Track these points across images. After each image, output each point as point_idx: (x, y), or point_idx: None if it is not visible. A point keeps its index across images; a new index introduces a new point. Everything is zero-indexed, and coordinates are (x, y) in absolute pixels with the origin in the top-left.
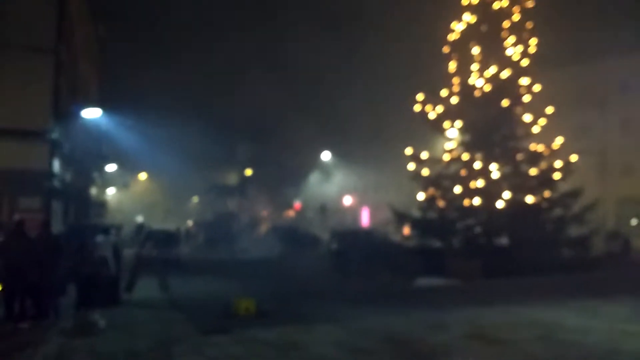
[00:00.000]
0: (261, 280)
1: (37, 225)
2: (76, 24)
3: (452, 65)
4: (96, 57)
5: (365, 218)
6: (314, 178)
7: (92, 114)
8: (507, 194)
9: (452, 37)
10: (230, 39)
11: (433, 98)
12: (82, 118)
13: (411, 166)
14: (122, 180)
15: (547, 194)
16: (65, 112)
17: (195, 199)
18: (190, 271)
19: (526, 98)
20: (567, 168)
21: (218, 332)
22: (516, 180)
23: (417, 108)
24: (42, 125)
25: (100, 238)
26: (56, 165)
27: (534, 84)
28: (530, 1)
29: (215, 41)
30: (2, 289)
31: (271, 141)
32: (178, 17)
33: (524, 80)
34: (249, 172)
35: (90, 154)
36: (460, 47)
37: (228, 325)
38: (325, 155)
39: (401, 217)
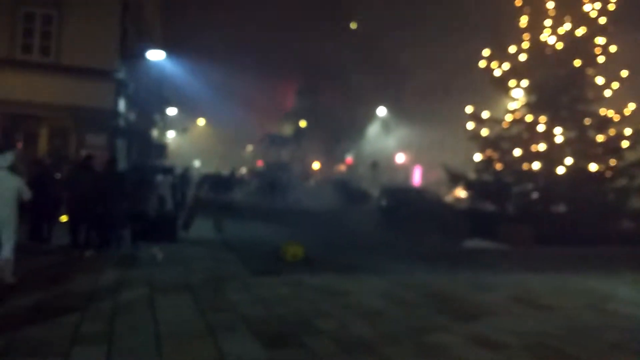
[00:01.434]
0: (310, 230)
1: (103, 161)
2: None
3: (523, 20)
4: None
5: (417, 177)
6: (367, 133)
7: (156, 56)
8: (569, 160)
9: None
10: None
11: (500, 54)
12: (147, 60)
13: (470, 125)
14: (182, 124)
15: (612, 162)
16: (131, 53)
17: (249, 148)
18: (243, 216)
19: (600, 59)
20: (636, 136)
21: (267, 273)
22: (581, 146)
23: (482, 64)
24: (109, 64)
25: (160, 177)
26: (121, 104)
27: (610, 45)
28: None
29: None
30: (69, 219)
31: (328, 93)
32: None
33: (600, 40)
34: (303, 123)
35: (153, 96)
36: (534, 1)
37: (276, 268)
38: (381, 111)
39: (455, 178)
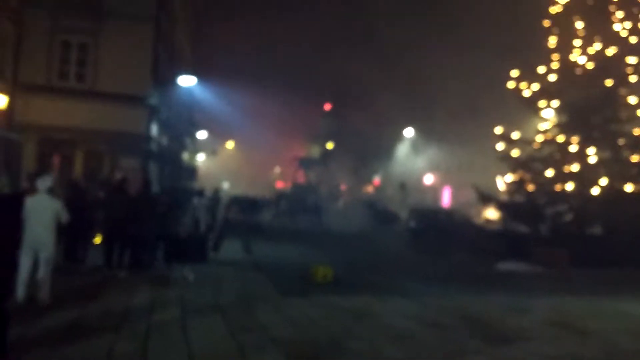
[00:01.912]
0: (339, 251)
1: (136, 184)
2: None
3: (552, 41)
4: (191, 26)
5: (446, 198)
6: (395, 154)
7: (187, 81)
8: (604, 181)
9: (554, 9)
10: (318, 12)
11: (529, 75)
12: (178, 85)
13: (500, 146)
14: (211, 147)
15: None
16: (163, 79)
17: (277, 170)
18: (271, 237)
19: (632, 78)
20: None
21: (296, 295)
22: (615, 166)
23: (511, 85)
24: (142, 90)
25: (195, 200)
26: (154, 129)
27: None
28: None
29: (304, 12)
30: (103, 240)
31: (355, 114)
32: None
33: (631, 59)
34: (330, 145)
35: (183, 120)
36: (563, 21)
37: (306, 289)
38: (409, 132)
39: (486, 199)
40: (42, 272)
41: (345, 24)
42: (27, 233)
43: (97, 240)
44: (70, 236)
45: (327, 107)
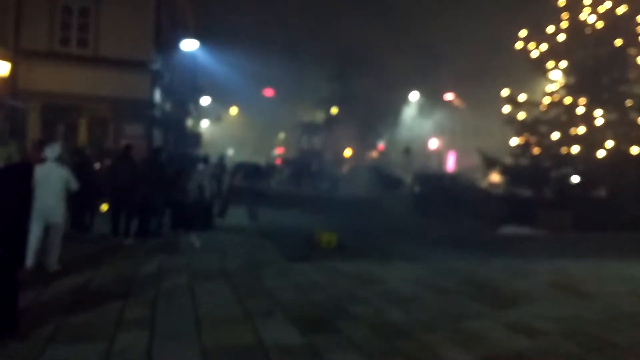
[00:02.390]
0: (343, 217)
1: (142, 150)
2: None
3: None
4: None
5: (451, 163)
6: (400, 119)
7: (189, 46)
8: (610, 143)
9: None
10: None
11: (537, 35)
12: (180, 50)
13: (506, 109)
14: (215, 113)
15: None
16: (165, 44)
17: (281, 135)
18: (276, 203)
19: None
20: None
21: (301, 260)
22: (622, 128)
23: (518, 46)
24: (145, 56)
25: (200, 167)
26: (157, 95)
27: None
28: None
29: None
30: (109, 208)
31: (359, 78)
32: None
33: None
34: (335, 110)
35: (187, 86)
36: None
37: (311, 254)
38: (414, 96)
39: (491, 163)
40: (52, 240)
41: None
42: (37, 201)
43: (104, 208)
44: (77, 204)
45: (332, 70)
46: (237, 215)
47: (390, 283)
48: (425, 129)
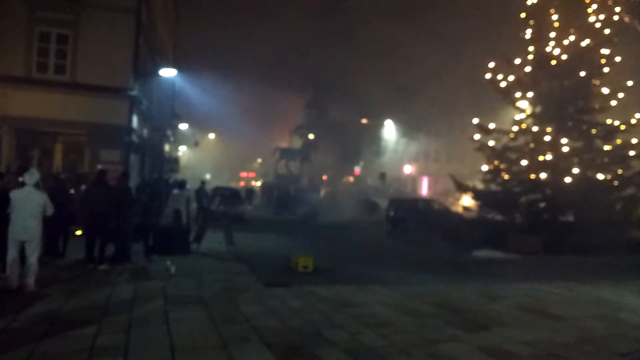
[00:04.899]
0: (319, 241)
1: (117, 176)
2: None
3: (528, 32)
4: (172, 18)
5: (424, 187)
6: (375, 145)
7: (168, 73)
8: (576, 170)
9: (530, 1)
10: (300, 6)
11: (505, 66)
12: (159, 77)
13: (477, 136)
14: (193, 139)
15: (619, 171)
16: (144, 71)
17: (259, 160)
18: (253, 228)
19: (606, 69)
20: None
21: (278, 285)
22: (587, 155)
23: (487, 76)
24: (123, 82)
25: (176, 191)
26: (135, 120)
27: (615, 55)
28: None
29: (286, 5)
30: (84, 233)
31: (336, 106)
32: None
33: (605, 51)
34: (312, 136)
35: (165, 112)
36: (538, 13)
37: (287, 279)
38: (388, 124)
39: (462, 188)
40: (30, 260)
41: (327, 17)
42: (16, 224)
43: (78, 233)
44: (51, 229)
45: (309, 97)
46: (214, 240)
47: (366, 307)
48: (400, 155)
